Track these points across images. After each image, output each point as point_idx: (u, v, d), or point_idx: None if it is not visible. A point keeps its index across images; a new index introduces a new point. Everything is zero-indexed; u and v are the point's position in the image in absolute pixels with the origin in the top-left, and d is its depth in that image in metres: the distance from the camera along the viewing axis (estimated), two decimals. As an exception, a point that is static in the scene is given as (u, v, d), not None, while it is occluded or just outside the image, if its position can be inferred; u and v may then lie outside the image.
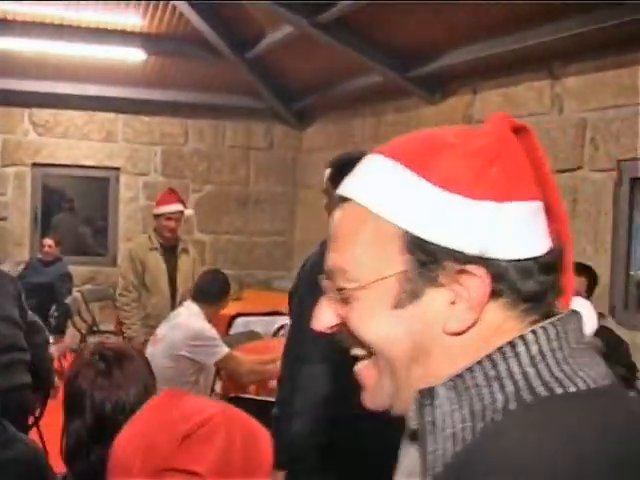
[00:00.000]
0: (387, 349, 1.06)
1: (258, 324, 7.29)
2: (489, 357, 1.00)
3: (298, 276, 3.64)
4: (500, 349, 1.00)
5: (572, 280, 1.08)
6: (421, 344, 1.04)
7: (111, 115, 11.50)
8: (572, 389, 0.99)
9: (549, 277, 1.04)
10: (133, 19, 9.81)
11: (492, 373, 1.00)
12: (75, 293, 10.05)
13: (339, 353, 2.85)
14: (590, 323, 1.09)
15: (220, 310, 5.97)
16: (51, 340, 6.14)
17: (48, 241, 9.82)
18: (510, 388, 0.99)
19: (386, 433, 2.79)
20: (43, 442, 5.69)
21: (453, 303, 1.02)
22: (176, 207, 7.23)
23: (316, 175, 10.80)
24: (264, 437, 1.74)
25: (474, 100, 8.01)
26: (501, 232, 1.01)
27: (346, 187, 1.10)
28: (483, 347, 1.02)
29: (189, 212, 7.46)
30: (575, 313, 1.06)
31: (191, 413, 1.68)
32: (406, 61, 8.39)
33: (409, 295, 1.03)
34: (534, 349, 1.00)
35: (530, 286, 1.02)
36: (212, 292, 5.95)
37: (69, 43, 9.87)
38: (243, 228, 11.98)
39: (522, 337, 1.00)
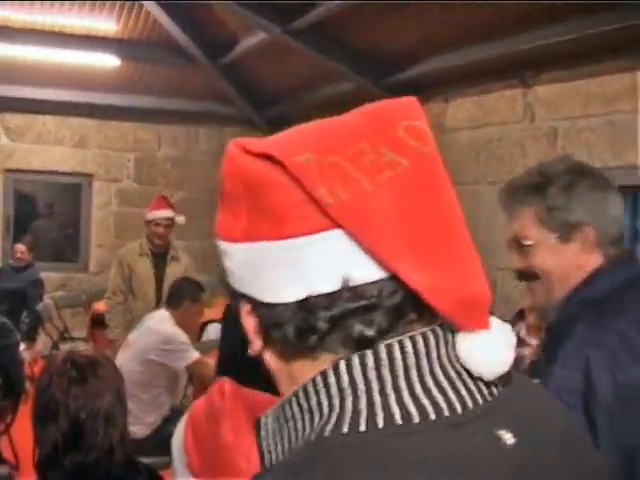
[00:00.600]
0: None
1: (230, 331, 7.26)
2: (304, 388, 0.99)
3: None
4: (313, 380, 0.98)
5: (444, 304, 0.95)
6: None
7: (84, 121, 11.46)
8: (379, 424, 0.92)
9: (353, 307, 0.95)
10: (107, 24, 9.78)
11: (305, 405, 0.99)
12: (47, 299, 10.00)
13: None
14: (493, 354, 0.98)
15: (189, 315, 5.94)
16: (22, 346, 6.13)
17: (20, 247, 9.78)
18: (317, 421, 0.97)
19: None
20: (14, 448, 5.67)
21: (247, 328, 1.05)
22: (165, 213, 7.27)
23: (289, 182, 10.85)
24: None
25: (446, 108, 8.05)
26: (256, 273, 1.00)
27: None
28: (290, 381, 1.03)
29: (180, 219, 7.48)
30: (426, 333, 0.97)
31: (271, 400, 1.86)
32: (379, 68, 8.41)
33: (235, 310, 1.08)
34: (345, 380, 0.96)
35: (313, 323, 0.96)
36: (176, 297, 6.00)
37: (42, 48, 9.82)
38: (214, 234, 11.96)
39: (335, 366, 0.96)
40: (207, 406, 1.88)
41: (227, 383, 1.89)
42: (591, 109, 6.26)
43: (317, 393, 0.97)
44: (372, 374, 0.95)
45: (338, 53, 8.35)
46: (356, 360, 0.95)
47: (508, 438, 0.95)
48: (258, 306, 1.01)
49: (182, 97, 11.28)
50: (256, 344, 1.04)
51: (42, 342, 9.48)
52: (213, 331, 8.11)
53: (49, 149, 11.39)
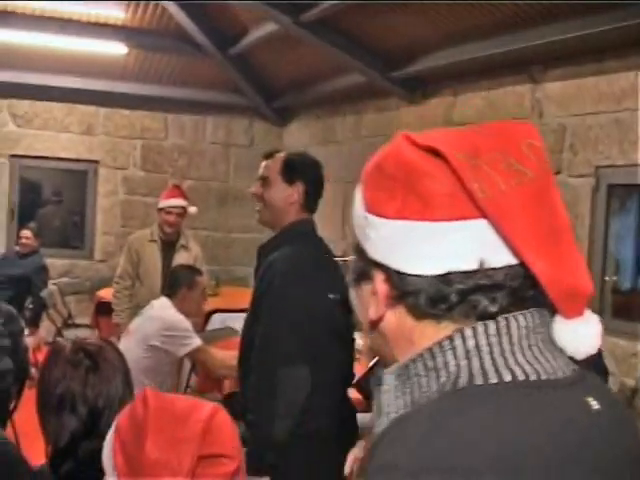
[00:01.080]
0: (359, 316, 1.28)
1: (235, 320, 7.27)
2: (429, 349, 1.14)
3: (268, 277, 3.58)
4: (439, 343, 1.13)
5: (555, 291, 1.11)
6: (368, 319, 1.23)
7: (91, 108, 11.46)
8: (505, 378, 1.08)
9: (483, 285, 1.11)
10: (116, 13, 9.79)
11: (430, 364, 1.13)
12: (51, 286, 10.01)
13: (320, 348, 2.86)
14: (587, 341, 1.16)
15: (187, 302, 5.91)
16: (26, 332, 6.13)
17: (26, 233, 9.77)
18: (443, 379, 1.11)
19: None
20: (16, 434, 5.68)
21: (373, 294, 1.19)
22: (176, 202, 7.31)
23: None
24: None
25: (455, 102, 8.03)
26: (400, 247, 1.14)
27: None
28: (408, 344, 1.18)
29: (193, 209, 7.51)
30: (534, 313, 1.14)
31: (194, 407, 1.84)
32: (388, 61, 8.40)
33: (356, 276, 1.25)
34: (470, 343, 1.11)
35: (446, 294, 1.12)
36: (171, 284, 6.02)
37: (51, 35, 9.83)
38: (222, 224, 11.98)
39: (461, 332, 1.12)
40: (130, 418, 1.86)
41: (150, 392, 1.87)
42: (600, 106, 6.24)
43: (444, 354, 1.13)
44: (493, 340, 1.11)
45: (347, 45, 8.34)
46: (480, 328, 1.12)
47: (594, 404, 1.12)
48: (394, 275, 1.15)
49: (190, 86, 11.27)
50: (381, 308, 1.18)
51: (46, 329, 9.50)
52: (218, 320, 8.14)
53: (56, 136, 11.39)
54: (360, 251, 1.22)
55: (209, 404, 1.86)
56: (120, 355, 2.59)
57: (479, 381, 1.08)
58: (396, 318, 1.18)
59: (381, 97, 9.09)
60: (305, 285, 3.50)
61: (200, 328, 6.86)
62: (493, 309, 1.12)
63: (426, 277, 1.12)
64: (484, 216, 1.10)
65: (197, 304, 6.07)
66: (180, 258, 7.24)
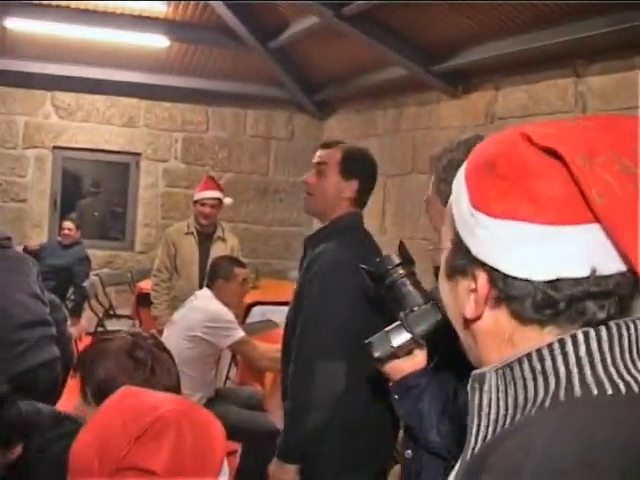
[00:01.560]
0: (447, 310, 1.26)
1: (275, 313, 7.29)
2: (538, 351, 1.09)
3: (313, 269, 3.55)
4: (549, 345, 1.08)
5: None
6: (459, 315, 1.20)
7: (133, 100, 11.54)
8: (611, 392, 1.04)
9: (593, 292, 1.08)
10: (158, 6, 9.84)
11: (538, 367, 1.09)
12: (93, 277, 10.10)
13: (359, 347, 2.86)
14: None
15: (224, 294, 5.91)
16: (68, 322, 6.19)
17: (68, 224, 9.85)
18: (552, 385, 1.07)
19: (393, 413, 2.88)
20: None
21: (471, 291, 1.16)
22: (211, 194, 7.35)
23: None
24: (215, 425, 1.82)
25: (496, 96, 7.99)
26: (508, 248, 1.10)
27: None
28: (508, 346, 1.14)
29: (228, 201, 7.54)
30: (636, 323, 1.10)
31: (142, 412, 1.73)
32: (429, 55, 8.38)
33: (453, 271, 1.20)
34: (582, 350, 1.07)
35: (554, 301, 1.09)
36: (210, 276, 6.04)
37: (94, 28, 9.91)
38: (261, 217, 12.02)
39: (573, 336, 1.08)
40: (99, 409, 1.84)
41: (125, 389, 1.84)
42: (644, 101, 6.19)
43: (553, 358, 1.08)
44: (605, 346, 1.07)
45: (389, 39, 8.33)
46: (592, 333, 1.07)
47: None
48: (498, 277, 1.11)
49: (231, 79, 11.29)
50: (480, 308, 1.15)
51: (87, 319, 9.58)
52: (258, 313, 8.16)
53: (98, 128, 11.48)
54: (461, 247, 1.18)
55: (168, 406, 1.75)
56: (166, 353, 2.57)
57: (594, 391, 1.05)
58: (494, 319, 1.15)
59: (422, 91, 9.06)
60: (348, 279, 3.45)
61: (240, 320, 6.88)
62: (601, 316, 1.09)
63: (533, 282, 1.09)
64: (598, 221, 1.06)
65: (236, 296, 6.07)
66: (217, 250, 7.27)
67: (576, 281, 1.07)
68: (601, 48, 6.52)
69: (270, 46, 10.19)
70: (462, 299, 1.18)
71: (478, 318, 1.16)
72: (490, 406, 1.14)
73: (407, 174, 9.28)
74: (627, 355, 1.07)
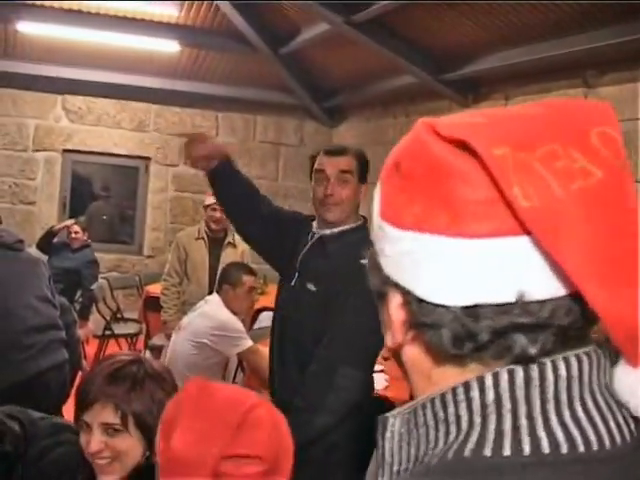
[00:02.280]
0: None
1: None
2: (442, 396, 0.92)
3: (356, 278, 3.54)
4: (454, 389, 0.91)
5: (621, 332, 0.86)
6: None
7: (144, 105, 11.57)
8: (524, 450, 0.86)
9: (522, 323, 0.87)
10: (169, 10, 9.86)
11: (441, 415, 0.92)
12: (101, 280, 10.11)
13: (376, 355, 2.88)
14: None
15: (231, 300, 5.91)
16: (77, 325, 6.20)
17: (75, 227, 9.87)
18: (452, 436, 0.91)
19: None
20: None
21: (388, 319, 0.99)
22: None
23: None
24: (285, 422, 1.87)
25: (506, 105, 7.98)
26: (419, 266, 0.91)
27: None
28: (427, 383, 0.97)
29: None
30: (584, 356, 0.91)
31: (235, 401, 1.74)
32: (440, 63, 8.39)
33: (375, 294, 1.02)
34: (490, 396, 0.89)
35: (474, 332, 0.89)
36: (218, 281, 6.05)
37: (105, 31, 9.93)
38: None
39: (480, 379, 0.90)
40: (171, 408, 1.83)
41: (195, 381, 1.84)
42: (655, 112, 6.19)
43: (456, 405, 0.90)
44: (520, 393, 0.88)
45: (399, 46, 8.33)
46: (505, 376, 0.89)
47: None
48: (413, 301, 0.92)
49: (242, 85, 11.32)
50: (397, 337, 0.96)
51: (95, 322, 9.58)
52: (266, 318, 8.15)
53: (108, 132, 11.51)
54: (376, 265, 0.99)
55: (253, 397, 1.82)
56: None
57: (487, 450, 0.86)
58: (415, 353, 0.97)
59: (432, 99, 9.07)
60: None
61: (248, 326, 6.89)
62: (533, 351, 0.88)
63: (449, 308, 0.89)
64: (528, 232, 0.84)
65: (243, 302, 6.06)
66: (227, 255, 7.29)
67: (500, 308, 0.87)
68: (612, 59, 6.52)
69: (281, 52, 10.21)
70: (385, 326, 1.00)
71: (400, 349, 0.99)
72: (392, 456, 0.97)
73: (416, 182, 9.28)
74: (550, 405, 0.87)
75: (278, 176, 12.10)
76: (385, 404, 3.58)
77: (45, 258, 8.14)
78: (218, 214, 7.27)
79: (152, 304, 8.34)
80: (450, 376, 0.93)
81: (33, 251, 8.07)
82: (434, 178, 0.88)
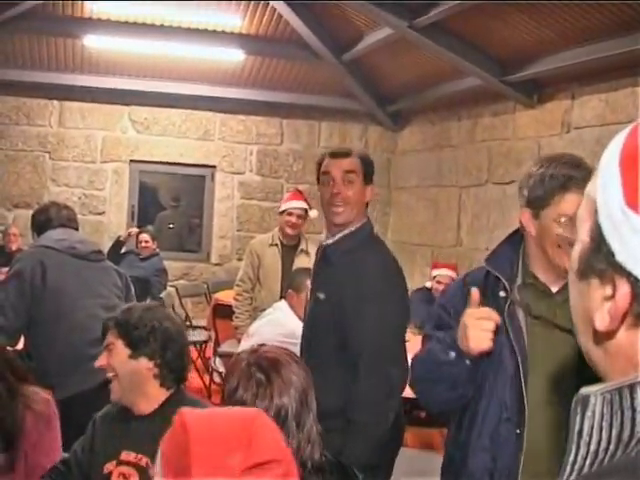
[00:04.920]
0: (572, 311, 1.05)
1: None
2: None
3: (365, 280, 3.59)
4: None
5: None
6: (588, 322, 1.00)
7: (209, 114, 11.67)
8: None
9: None
10: (233, 20, 9.94)
11: None
12: (169, 288, 10.21)
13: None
14: None
15: (295, 305, 5.92)
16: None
17: (144, 236, 9.99)
18: None
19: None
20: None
21: (607, 300, 0.95)
22: (297, 204, 7.33)
23: (411, 177, 10.80)
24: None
25: (572, 105, 7.90)
26: None
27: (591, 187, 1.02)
28: (632, 368, 0.94)
29: (314, 213, 7.54)
30: None
31: (234, 417, 1.77)
32: (504, 65, 8.34)
33: (587, 271, 0.99)
34: None
35: None
36: (287, 285, 6.05)
37: (169, 43, 10.06)
38: (336, 229, 12.03)
39: None
40: (173, 444, 1.84)
41: (186, 414, 1.85)
42: None
43: None
44: None
45: (463, 49, 8.30)
46: None
47: None
48: None
49: (305, 92, 11.37)
50: (615, 323, 0.94)
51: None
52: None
53: (174, 141, 11.64)
54: (602, 247, 0.95)
55: (246, 412, 1.81)
56: (302, 370, 2.61)
57: None
58: (629, 341, 0.94)
59: (497, 101, 9.01)
60: (401, 287, 3.65)
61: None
62: None
63: None
64: None
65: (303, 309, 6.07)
66: (300, 262, 7.28)
67: None
68: (680, 55, 6.43)
69: (344, 58, 10.23)
70: (594, 306, 0.97)
71: (609, 333, 0.96)
72: (591, 435, 0.94)
73: (482, 185, 9.23)
74: None
75: (343, 182, 12.10)
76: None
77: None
78: (293, 219, 7.26)
79: (221, 311, 8.39)
80: None
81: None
82: None
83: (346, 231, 3.74)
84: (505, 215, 8.55)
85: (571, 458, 0.96)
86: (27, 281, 4.65)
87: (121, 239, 9.87)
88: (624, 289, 0.92)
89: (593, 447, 0.93)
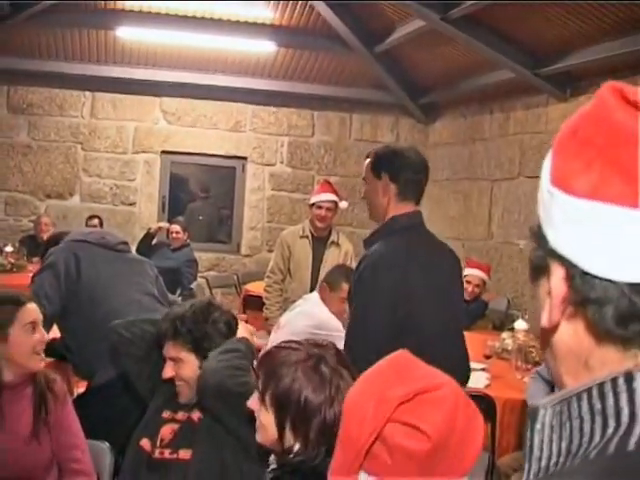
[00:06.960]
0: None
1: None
2: (600, 386, 0.86)
3: (359, 270, 3.68)
4: (614, 380, 0.85)
5: None
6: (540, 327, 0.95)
7: (240, 105, 11.68)
8: None
9: None
10: (265, 12, 9.95)
11: (598, 407, 0.86)
12: (200, 279, 10.24)
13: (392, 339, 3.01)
14: None
15: (327, 300, 5.91)
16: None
17: (175, 227, 10.03)
18: (610, 430, 0.84)
19: None
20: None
21: (548, 294, 0.92)
22: (327, 196, 7.34)
23: (442, 170, 10.75)
24: (479, 422, 1.79)
25: (606, 99, 7.83)
26: (589, 237, 0.86)
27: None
28: (583, 369, 0.91)
29: (344, 204, 7.56)
30: None
31: (426, 374, 1.74)
32: (537, 58, 8.29)
33: (534, 271, 0.97)
34: None
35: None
36: (324, 280, 6.03)
37: (201, 35, 10.08)
38: (366, 221, 11.99)
39: None
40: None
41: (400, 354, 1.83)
42: None
43: (616, 396, 0.84)
44: None
45: (495, 42, 8.26)
46: None
47: None
48: (577, 274, 0.87)
49: (337, 83, 11.35)
50: (555, 315, 0.91)
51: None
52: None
53: (205, 132, 11.66)
54: (540, 236, 0.93)
55: (443, 377, 1.77)
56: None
57: None
58: (572, 333, 0.91)
59: (529, 94, 8.96)
60: (392, 277, 3.58)
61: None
62: None
63: (619, 284, 0.83)
64: None
65: (335, 307, 6.06)
66: (330, 254, 7.28)
67: None
68: None
69: (376, 50, 10.21)
70: (541, 305, 0.94)
71: (554, 330, 0.92)
72: (542, 449, 0.91)
73: (514, 178, 9.18)
74: None
75: (374, 174, 12.08)
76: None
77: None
78: (324, 212, 7.27)
79: (251, 302, 8.41)
80: (609, 360, 0.88)
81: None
82: (615, 144, 0.84)
83: (369, 233, 3.91)
84: (536, 209, 8.49)
85: (524, 476, 0.94)
86: (61, 272, 4.70)
87: (151, 231, 9.91)
88: (558, 274, 0.89)
89: (544, 463, 0.91)
